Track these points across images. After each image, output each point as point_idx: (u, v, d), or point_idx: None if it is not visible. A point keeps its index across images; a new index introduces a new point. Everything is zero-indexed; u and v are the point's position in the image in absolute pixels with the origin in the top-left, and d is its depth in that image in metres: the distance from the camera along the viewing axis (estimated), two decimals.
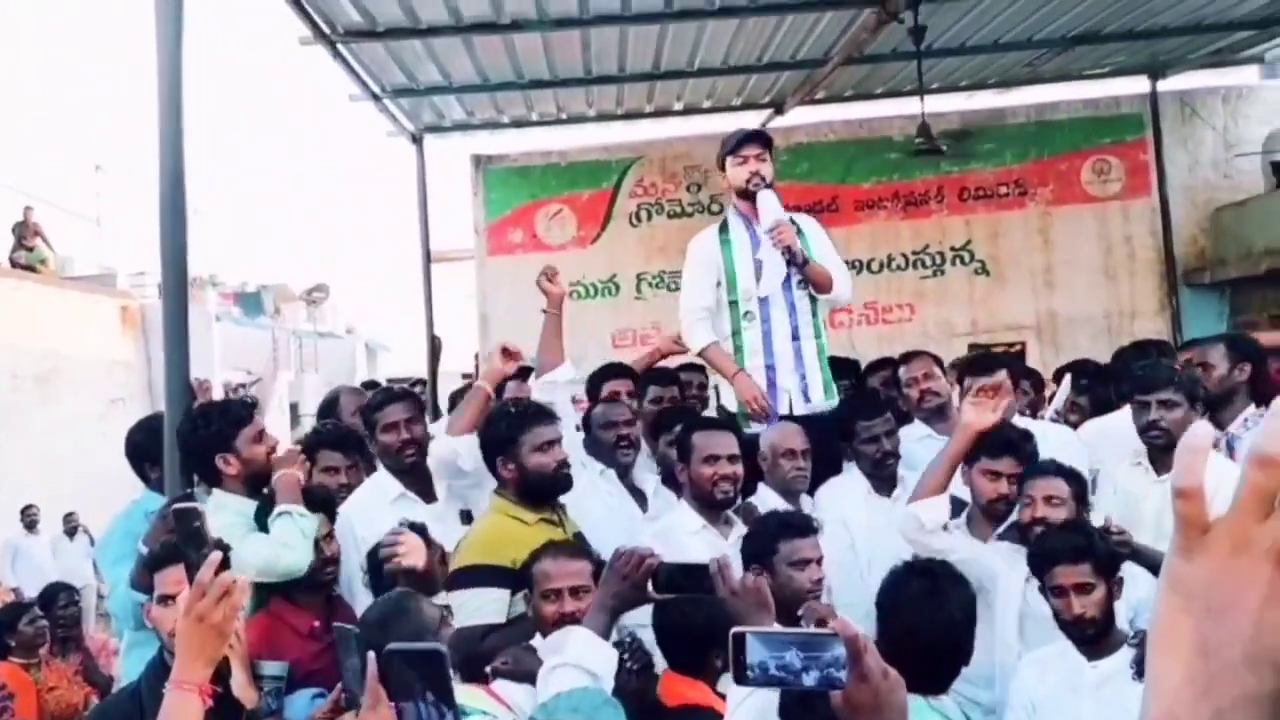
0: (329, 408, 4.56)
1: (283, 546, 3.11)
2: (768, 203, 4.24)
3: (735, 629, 1.46)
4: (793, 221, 4.34)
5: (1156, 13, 7.22)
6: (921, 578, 2.58)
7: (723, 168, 4.45)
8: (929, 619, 2.47)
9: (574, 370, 4.14)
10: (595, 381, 4.66)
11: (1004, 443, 3.48)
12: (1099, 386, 4.74)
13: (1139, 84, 8.83)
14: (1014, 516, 3.41)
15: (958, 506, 3.71)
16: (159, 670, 2.87)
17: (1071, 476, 3.27)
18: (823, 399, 4.27)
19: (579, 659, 2.26)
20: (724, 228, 4.44)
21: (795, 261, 4.21)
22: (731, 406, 4.34)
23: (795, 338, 4.26)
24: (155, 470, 3.91)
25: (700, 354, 4.44)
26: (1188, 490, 0.62)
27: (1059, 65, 8.35)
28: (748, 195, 4.32)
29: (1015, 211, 8.81)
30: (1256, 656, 0.59)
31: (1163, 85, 8.78)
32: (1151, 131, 8.76)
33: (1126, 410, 3.84)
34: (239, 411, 3.56)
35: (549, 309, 4.24)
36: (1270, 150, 8.65)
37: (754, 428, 4.15)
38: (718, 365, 4.35)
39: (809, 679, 1.40)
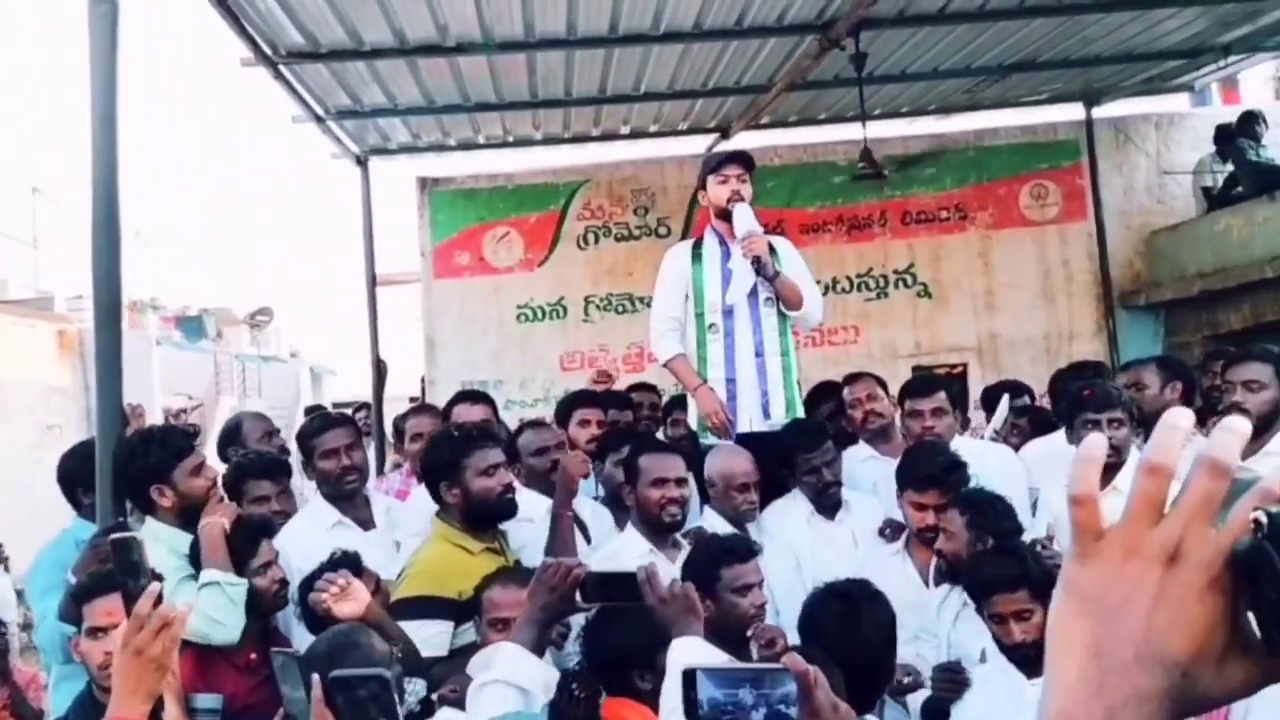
0: (231, 435, 4.41)
1: (213, 623, 2.99)
2: (743, 214, 4.28)
3: (686, 666, 1.45)
4: (768, 241, 4.39)
5: (1090, 42, 7.41)
6: (839, 600, 2.62)
7: (704, 186, 4.48)
8: (846, 640, 2.51)
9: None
10: (565, 409, 4.69)
11: (928, 477, 3.55)
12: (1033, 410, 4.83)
13: (1075, 111, 9.04)
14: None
15: (898, 529, 3.75)
16: (87, 705, 2.79)
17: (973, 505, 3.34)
18: (783, 417, 4.28)
19: (508, 675, 2.24)
20: (698, 244, 4.49)
21: (765, 273, 4.23)
22: (693, 423, 4.36)
23: (759, 354, 4.28)
24: (88, 497, 3.81)
25: (666, 365, 4.45)
26: (1081, 498, 0.65)
27: (997, 92, 8.53)
28: (726, 215, 4.35)
29: (956, 235, 8.94)
30: (1146, 656, 0.61)
31: (1098, 112, 8.99)
32: (1087, 157, 8.96)
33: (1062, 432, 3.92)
34: (178, 443, 3.48)
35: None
36: (1200, 174, 8.89)
37: (712, 440, 4.17)
38: (682, 378, 4.37)
39: (759, 715, 1.40)
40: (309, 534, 3.52)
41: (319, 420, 4.00)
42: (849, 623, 2.54)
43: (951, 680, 2.97)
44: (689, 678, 1.43)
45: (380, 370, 8.61)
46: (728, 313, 4.29)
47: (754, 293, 4.29)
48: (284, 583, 3.17)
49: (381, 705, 1.68)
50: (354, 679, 1.76)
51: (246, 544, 3.15)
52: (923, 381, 4.61)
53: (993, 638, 2.91)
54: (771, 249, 4.36)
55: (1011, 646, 2.84)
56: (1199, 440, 0.65)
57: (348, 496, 3.70)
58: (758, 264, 4.20)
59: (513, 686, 2.22)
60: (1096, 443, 0.66)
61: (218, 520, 3.16)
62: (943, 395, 4.20)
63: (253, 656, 3.07)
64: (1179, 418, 0.65)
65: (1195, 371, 4.76)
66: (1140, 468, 0.64)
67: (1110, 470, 3.65)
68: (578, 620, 2.88)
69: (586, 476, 3.74)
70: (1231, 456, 0.62)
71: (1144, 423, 3.90)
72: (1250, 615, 0.61)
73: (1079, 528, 0.65)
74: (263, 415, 4.90)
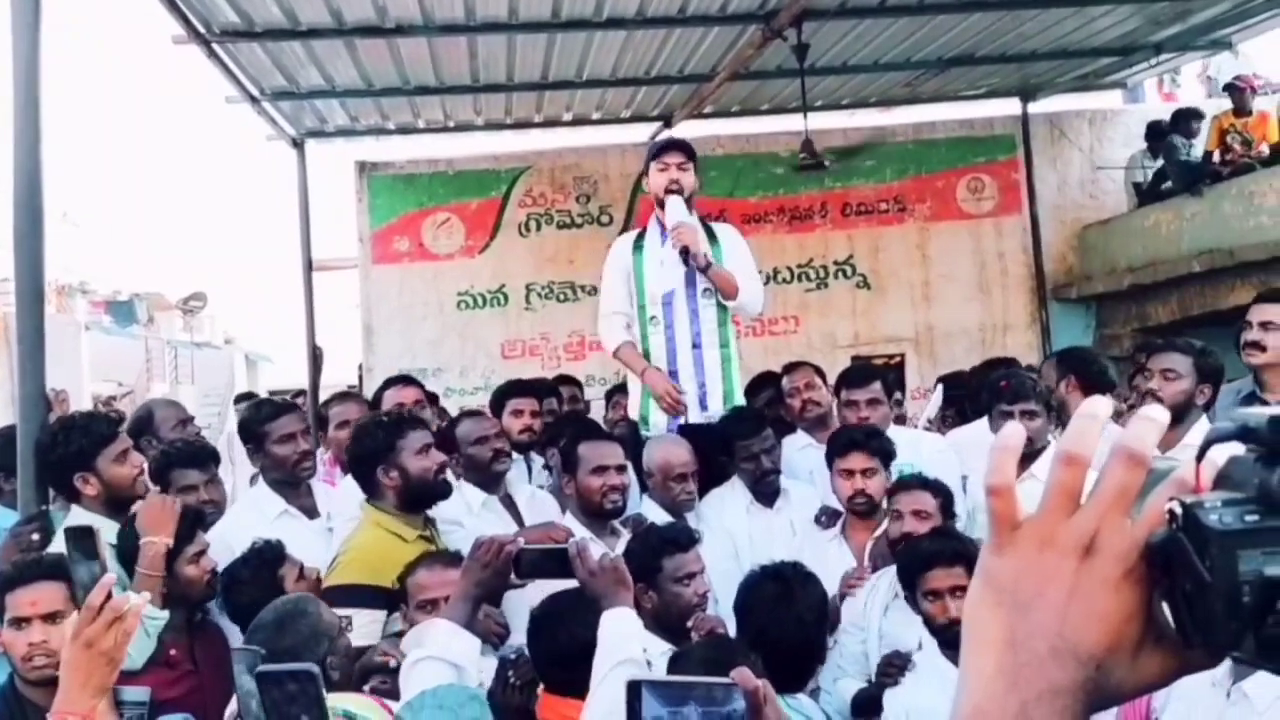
0: (144, 424, 4.24)
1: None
2: (674, 205, 4.26)
3: (631, 678, 1.43)
4: (709, 229, 4.38)
5: (1027, 38, 7.53)
6: (773, 581, 2.67)
7: (647, 173, 4.45)
8: (779, 620, 2.57)
9: None
10: (498, 399, 4.66)
11: (849, 441, 3.67)
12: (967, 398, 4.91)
13: (1011, 106, 9.18)
14: (882, 528, 3.50)
15: (833, 516, 3.78)
16: (9, 697, 2.71)
17: (936, 489, 3.37)
18: (721, 409, 4.27)
19: (441, 651, 2.24)
20: (641, 234, 4.46)
21: (696, 264, 4.21)
22: (634, 413, 4.34)
23: (696, 345, 4.27)
24: (9, 484, 3.71)
25: (615, 355, 4.42)
26: (998, 488, 0.64)
27: (936, 86, 8.63)
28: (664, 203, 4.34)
29: (895, 227, 9.04)
30: (1060, 649, 0.61)
31: (1033, 107, 9.14)
32: (1023, 151, 9.11)
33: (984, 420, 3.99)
34: (101, 430, 3.39)
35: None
36: (1132, 170, 9.09)
37: (656, 428, 4.16)
38: (629, 364, 4.34)
39: None
40: (256, 523, 3.46)
41: (270, 407, 3.92)
42: (784, 602, 2.59)
43: (895, 665, 3.01)
44: (633, 690, 1.41)
45: (316, 358, 8.48)
46: (666, 304, 4.28)
47: (692, 284, 4.27)
48: (215, 573, 3.11)
49: (308, 701, 1.64)
50: (281, 674, 1.72)
51: (180, 535, 3.07)
52: (858, 372, 4.63)
53: (924, 621, 2.95)
54: (714, 237, 4.35)
55: (946, 624, 2.88)
56: (1114, 429, 0.65)
57: (296, 484, 3.66)
58: (685, 254, 4.19)
59: (445, 663, 2.22)
60: (1013, 432, 0.65)
61: (161, 541, 3.03)
62: (878, 385, 4.25)
63: (172, 652, 3.00)
64: (1096, 406, 0.64)
65: (1123, 364, 4.87)
66: (1056, 457, 0.63)
67: (1027, 459, 3.72)
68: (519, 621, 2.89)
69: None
70: (1148, 446, 0.62)
71: (1057, 414, 3.98)
72: (1165, 607, 0.61)
73: (995, 518, 0.64)
74: (176, 403, 4.78)
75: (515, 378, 5.27)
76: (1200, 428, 3.73)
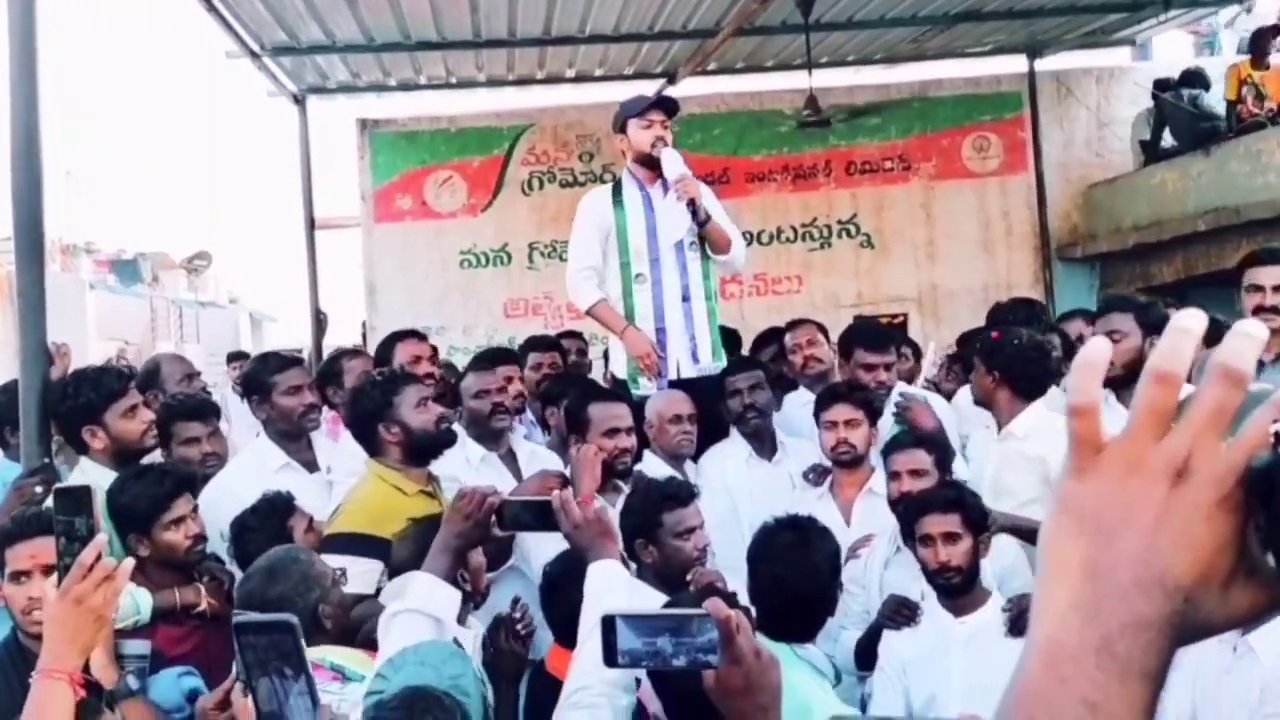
0: (150, 378, 4.27)
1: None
2: (671, 158, 4.23)
3: (605, 613, 1.44)
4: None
5: None
6: (790, 530, 2.66)
7: (622, 130, 4.40)
8: (796, 569, 2.55)
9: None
10: (521, 353, 4.72)
11: (832, 394, 3.71)
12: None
13: (1018, 63, 9.08)
14: (868, 485, 3.53)
15: (822, 473, 3.80)
16: (11, 650, 2.73)
17: (931, 444, 3.38)
18: (710, 361, 4.27)
19: (421, 604, 2.23)
20: (617, 189, 4.42)
21: (697, 217, 4.19)
22: (620, 373, 4.33)
23: (685, 299, 4.26)
24: (15, 437, 3.73)
25: (589, 312, 4.38)
26: (1080, 407, 0.60)
27: (942, 43, 8.54)
28: (648, 161, 4.30)
29: (899, 186, 8.99)
30: (1146, 580, 0.57)
31: (1040, 65, 9.04)
32: (1029, 110, 9.02)
33: None
34: (111, 384, 3.40)
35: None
36: (1138, 128, 9.00)
37: (645, 388, 4.16)
38: (607, 322, 4.31)
39: (680, 661, 1.40)
40: (257, 475, 3.47)
41: (277, 359, 3.94)
42: (800, 551, 2.59)
43: (901, 612, 3.04)
44: (608, 624, 1.42)
45: (320, 322, 8.50)
46: (654, 261, 4.25)
47: (679, 239, 4.26)
48: (199, 538, 3.08)
49: (285, 653, 1.63)
50: (258, 624, 1.72)
51: (164, 497, 3.04)
52: (875, 334, 4.50)
53: (921, 569, 2.97)
54: None
55: (936, 569, 2.90)
56: (1117, 409, 0.62)
57: (298, 437, 3.68)
58: (692, 206, 4.17)
59: (426, 615, 2.21)
60: (1097, 348, 0.60)
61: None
62: (892, 350, 4.25)
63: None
64: (1191, 320, 0.59)
65: None
66: (1146, 374, 0.58)
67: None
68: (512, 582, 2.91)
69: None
70: (1248, 364, 0.57)
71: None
72: (1261, 537, 0.57)
73: (1077, 440, 0.59)
74: (182, 358, 4.81)
75: (520, 336, 5.27)
76: None
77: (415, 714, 1.50)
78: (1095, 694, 0.56)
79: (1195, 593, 0.57)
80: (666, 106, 4.38)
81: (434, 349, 4.91)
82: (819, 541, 2.65)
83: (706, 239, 4.26)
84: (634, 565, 2.80)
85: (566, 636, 2.62)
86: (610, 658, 1.41)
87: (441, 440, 3.29)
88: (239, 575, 3.09)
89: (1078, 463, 0.60)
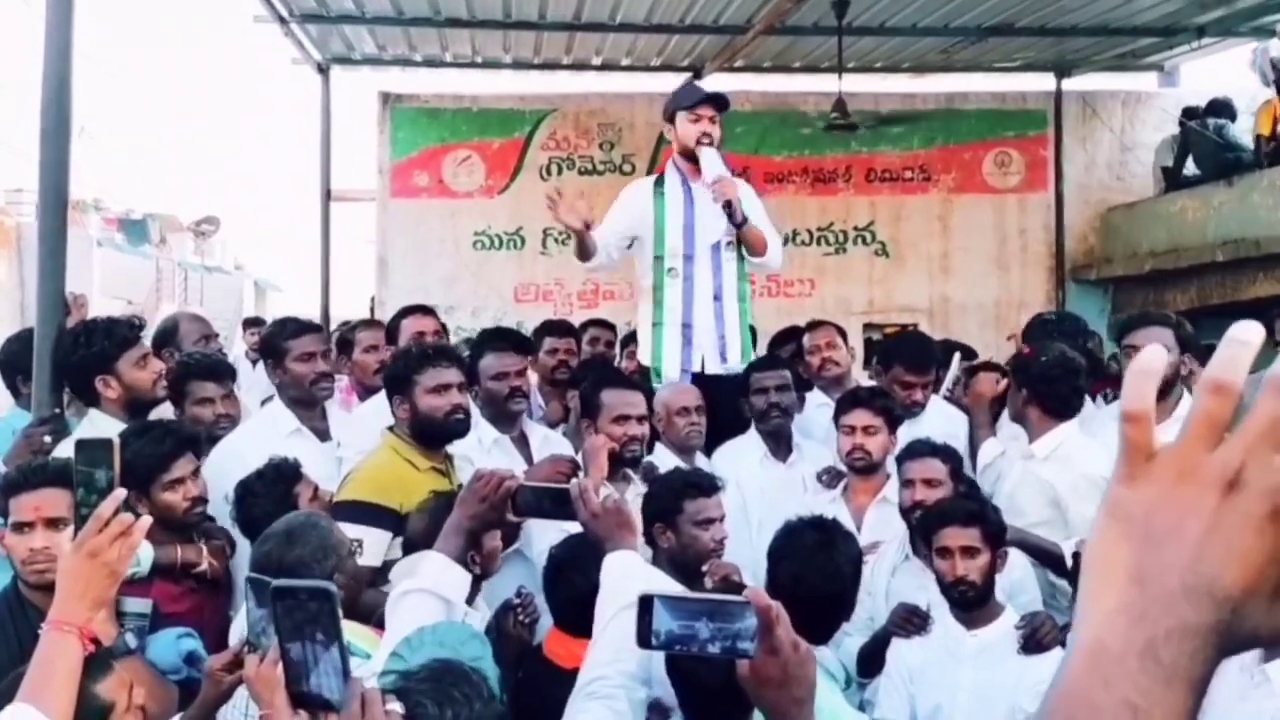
0: (167, 336, 4.24)
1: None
2: (710, 158, 4.19)
3: (643, 592, 1.41)
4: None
5: (1067, 11, 7.41)
6: (815, 530, 2.63)
7: (671, 119, 4.36)
8: (818, 569, 2.52)
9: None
10: (537, 337, 4.67)
11: (853, 398, 3.68)
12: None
13: (1045, 81, 9.06)
14: (882, 493, 3.50)
15: (836, 476, 3.77)
16: (11, 600, 2.70)
17: (946, 454, 3.35)
18: (739, 362, 4.25)
19: (432, 584, 2.20)
20: (659, 181, 4.39)
21: (734, 219, 4.16)
22: (646, 360, 4.32)
23: (717, 297, 4.24)
24: (27, 385, 3.70)
25: (579, 250, 4.31)
26: (1134, 414, 0.60)
27: (971, 55, 8.51)
28: (692, 155, 4.26)
29: (918, 196, 8.97)
30: (1194, 586, 0.57)
31: (1067, 84, 9.03)
32: (1053, 128, 9.01)
33: None
34: (123, 333, 3.38)
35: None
36: (1161, 154, 8.97)
37: (668, 378, 4.15)
38: (583, 244, 4.22)
39: (715, 649, 1.37)
40: (268, 439, 3.44)
41: (294, 324, 3.90)
42: (824, 552, 2.56)
43: (911, 620, 3.01)
44: (645, 604, 1.39)
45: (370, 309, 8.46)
46: (688, 258, 4.23)
47: (717, 239, 4.24)
48: (198, 500, 3.04)
49: (322, 621, 1.61)
50: (297, 590, 1.69)
51: (165, 457, 3.00)
52: (918, 354, 4.25)
53: (936, 580, 2.94)
54: None
55: (952, 583, 2.87)
56: (1171, 425, 0.61)
57: (311, 404, 3.65)
58: (729, 209, 4.14)
59: (435, 596, 2.18)
60: (1154, 355, 0.61)
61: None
62: (933, 370, 4.21)
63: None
64: (1248, 331, 0.59)
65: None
66: (1203, 385, 0.59)
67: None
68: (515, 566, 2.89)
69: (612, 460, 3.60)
70: None
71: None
72: None
73: (1129, 446, 0.60)
74: (200, 317, 4.76)
75: (529, 321, 5.25)
76: (1188, 401, 3.70)
77: (444, 686, 1.48)
78: (1138, 697, 0.57)
79: (1243, 604, 0.58)
80: (718, 103, 4.32)
81: (443, 326, 4.87)
82: (843, 544, 2.63)
83: (744, 240, 4.24)
84: (650, 550, 2.78)
85: (567, 621, 2.61)
86: (645, 638, 1.38)
87: (447, 430, 3.23)
88: (240, 539, 3.08)
89: (1129, 469, 0.61)
